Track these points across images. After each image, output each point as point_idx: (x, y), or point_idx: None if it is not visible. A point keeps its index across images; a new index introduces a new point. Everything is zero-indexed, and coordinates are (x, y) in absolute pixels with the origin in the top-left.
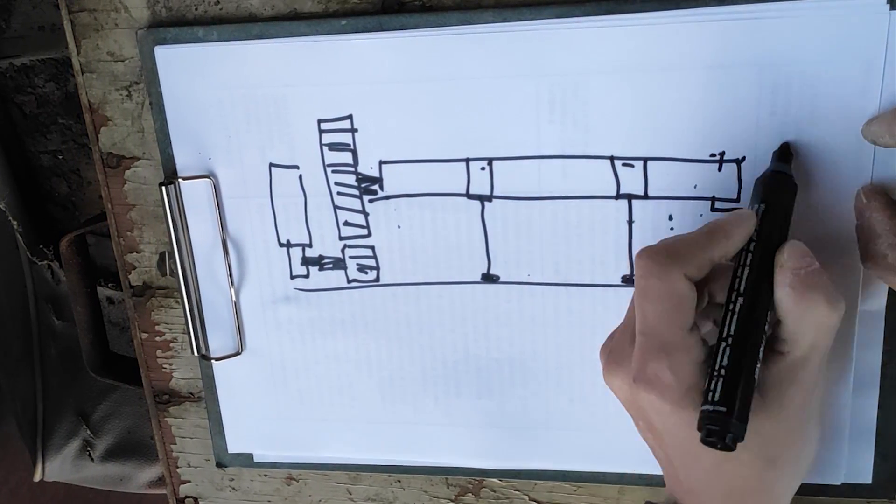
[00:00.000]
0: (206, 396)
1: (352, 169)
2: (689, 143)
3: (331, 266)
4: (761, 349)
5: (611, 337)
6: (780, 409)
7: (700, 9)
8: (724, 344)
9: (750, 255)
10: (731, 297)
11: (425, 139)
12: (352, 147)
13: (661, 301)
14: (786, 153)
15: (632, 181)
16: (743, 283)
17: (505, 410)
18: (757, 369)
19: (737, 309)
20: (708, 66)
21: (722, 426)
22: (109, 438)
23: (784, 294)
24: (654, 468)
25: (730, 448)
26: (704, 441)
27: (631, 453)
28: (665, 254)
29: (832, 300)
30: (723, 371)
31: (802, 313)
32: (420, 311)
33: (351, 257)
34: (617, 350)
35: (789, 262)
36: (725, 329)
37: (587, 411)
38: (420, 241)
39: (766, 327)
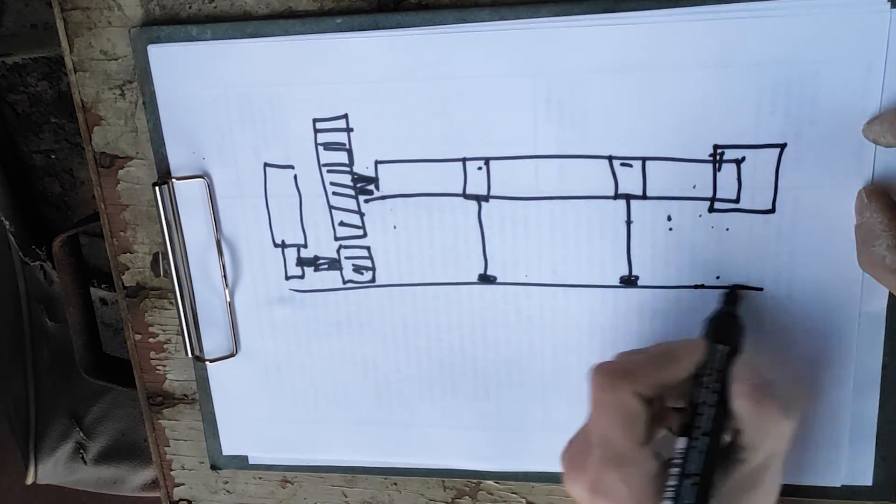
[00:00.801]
0: (200, 398)
1: (347, 169)
2: (688, 142)
3: (326, 267)
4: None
5: (570, 443)
6: None
7: (699, 7)
8: (687, 481)
9: (709, 392)
10: (691, 431)
11: (421, 139)
12: (347, 147)
13: (614, 414)
14: (735, 297)
15: (630, 181)
16: (708, 420)
17: (502, 412)
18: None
19: (702, 447)
20: (707, 65)
21: None
22: (103, 441)
23: (740, 405)
24: None
25: None
26: None
27: None
28: (619, 371)
29: (787, 409)
30: None
31: (759, 422)
32: (416, 313)
33: (346, 258)
34: (576, 458)
35: (744, 374)
36: (691, 465)
37: (585, 413)
38: (416, 241)
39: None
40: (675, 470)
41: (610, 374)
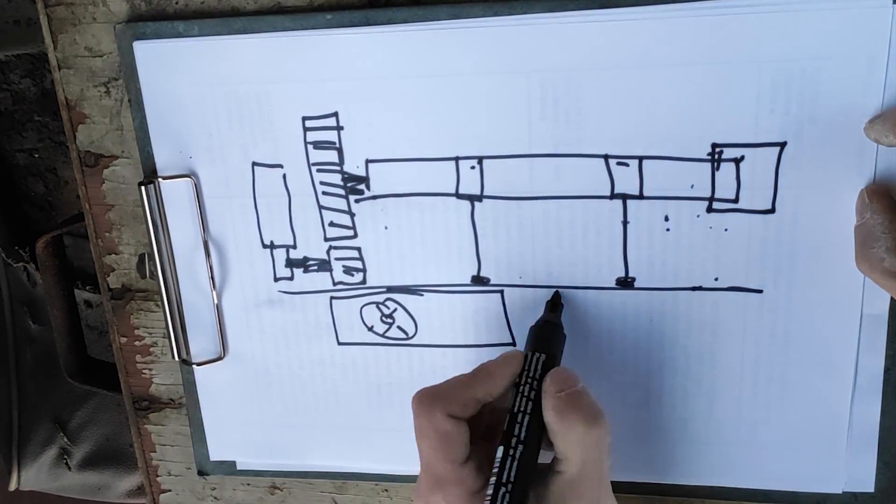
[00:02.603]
0: (187, 402)
1: (337, 168)
2: (686, 141)
3: (316, 268)
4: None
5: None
6: None
7: (697, 3)
8: (502, 489)
9: (524, 400)
10: (508, 440)
11: (413, 137)
12: (337, 145)
13: (431, 438)
14: (556, 303)
15: (626, 180)
16: (522, 429)
17: None
18: None
19: (517, 455)
20: (705, 62)
21: None
22: (87, 446)
23: (548, 417)
24: (649, 476)
25: None
26: None
27: (625, 460)
28: (430, 395)
29: (589, 419)
30: None
31: (565, 433)
32: (408, 315)
33: (336, 259)
34: (417, 486)
35: (551, 387)
36: (505, 473)
37: None
38: (408, 242)
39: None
40: (493, 479)
41: (423, 400)
